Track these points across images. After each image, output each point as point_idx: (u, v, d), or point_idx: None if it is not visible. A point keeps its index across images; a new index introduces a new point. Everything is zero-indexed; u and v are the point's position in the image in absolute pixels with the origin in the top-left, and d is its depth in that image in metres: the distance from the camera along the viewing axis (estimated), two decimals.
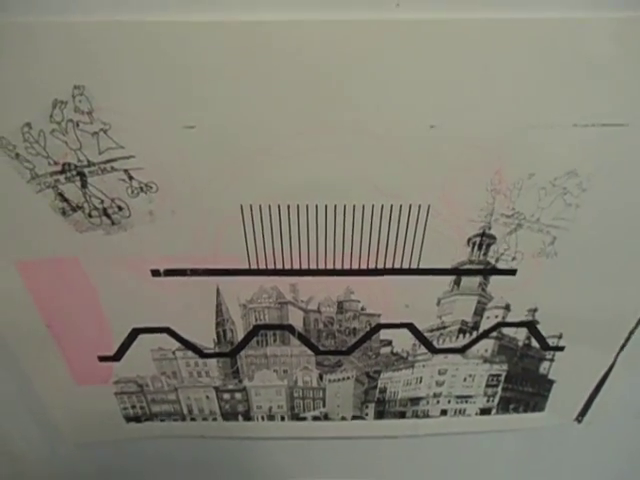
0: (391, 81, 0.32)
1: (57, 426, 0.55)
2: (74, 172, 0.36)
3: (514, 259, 0.42)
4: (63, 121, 0.33)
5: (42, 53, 0.30)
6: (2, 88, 0.32)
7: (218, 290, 0.44)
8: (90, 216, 0.39)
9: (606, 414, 0.58)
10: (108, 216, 0.39)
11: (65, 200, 0.38)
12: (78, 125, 0.34)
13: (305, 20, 0.30)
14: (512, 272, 0.43)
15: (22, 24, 0.29)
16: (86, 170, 0.36)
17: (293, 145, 0.35)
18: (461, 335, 0.49)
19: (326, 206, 0.38)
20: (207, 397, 0.54)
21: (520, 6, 0.30)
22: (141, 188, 0.37)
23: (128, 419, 0.55)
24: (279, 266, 0.42)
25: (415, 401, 0.55)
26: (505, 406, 0.56)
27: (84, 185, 0.37)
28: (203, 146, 0.35)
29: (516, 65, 0.31)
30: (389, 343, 0.49)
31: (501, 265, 0.42)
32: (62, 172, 0.36)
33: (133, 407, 0.54)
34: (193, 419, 0.56)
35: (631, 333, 0.49)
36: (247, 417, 0.56)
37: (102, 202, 0.38)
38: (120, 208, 0.38)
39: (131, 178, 0.37)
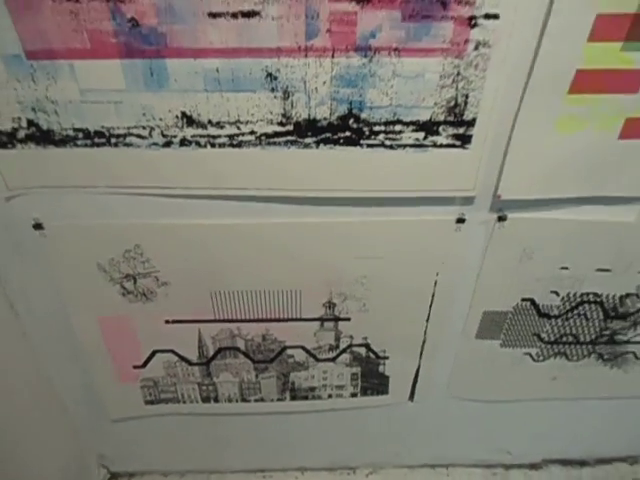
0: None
1: (106, 406, 0.95)
2: (131, 278, 0.78)
3: (347, 313, 0.84)
4: (130, 258, 0.75)
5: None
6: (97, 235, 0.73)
7: (199, 329, 0.85)
8: (136, 296, 0.80)
9: (429, 395, 1.01)
10: (145, 295, 0.80)
11: (124, 289, 0.79)
12: (135, 259, 0.75)
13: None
14: (348, 319, 0.85)
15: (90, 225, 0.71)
16: (137, 277, 0.78)
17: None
18: (330, 351, 0.91)
19: (251, 292, 0.80)
20: (192, 389, 0.95)
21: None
22: (163, 283, 0.79)
23: (146, 402, 0.96)
24: (230, 317, 0.83)
25: (312, 389, 0.97)
26: (364, 392, 0.98)
27: (135, 282, 0.78)
28: (195, 272, 0.76)
29: None
30: (292, 356, 0.91)
31: (342, 316, 0.85)
32: (125, 277, 0.78)
33: (150, 395, 0.95)
34: (184, 402, 0.97)
35: (423, 344, 0.91)
36: (216, 400, 0.97)
37: (143, 290, 0.79)
38: (151, 292, 0.80)
39: (157, 279, 0.78)
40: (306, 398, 0.98)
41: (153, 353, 0.88)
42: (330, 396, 0.98)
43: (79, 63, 0.57)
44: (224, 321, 0.84)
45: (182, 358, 0.89)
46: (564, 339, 0.91)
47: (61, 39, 0.55)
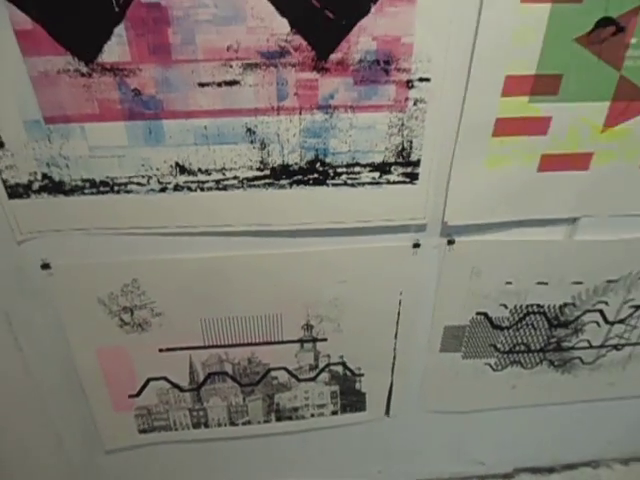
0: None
1: (101, 437, 1.00)
2: (128, 310, 0.86)
3: (324, 334, 0.94)
4: (128, 292, 0.84)
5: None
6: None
7: (190, 356, 0.94)
8: (132, 327, 0.88)
9: (403, 410, 1.10)
10: (141, 326, 0.89)
11: (122, 320, 0.88)
12: (132, 292, 0.84)
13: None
14: (325, 339, 0.95)
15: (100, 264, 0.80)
16: (134, 309, 0.86)
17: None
18: (311, 371, 1.00)
19: (237, 318, 0.90)
20: (184, 415, 1.02)
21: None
22: (157, 314, 0.88)
23: (140, 431, 1.02)
24: (218, 343, 0.92)
25: (295, 409, 1.05)
26: (344, 409, 1.07)
27: (132, 314, 0.87)
28: (187, 301, 0.86)
29: None
30: (276, 378, 0.99)
31: (319, 337, 0.95)
32: (123, 310, 0.86)
33: (143, 423, 1.01)
34: (176, 429, 1.03)
35: (394, 360, 1.01)
36: (206, 425, 1.04)
37: (139, 321, 0.88)
38: (147, 322, 0.88)
39: (152, 310, 0.87)
40: (290, 418, 1.06)
41: (147, 381, 0.95)
42: (312, 415, 1.06)
43: (89, 125, 0.68)
44: (213, 347, 0.93)
45: (174, 385, 0.97)
46: (517, 348, 1.02)
47: (74, 106, 0.67)
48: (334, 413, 1.07)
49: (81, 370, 0.91)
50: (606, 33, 0.68)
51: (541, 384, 1.09)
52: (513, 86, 0.70)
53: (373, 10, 0.64)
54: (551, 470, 1.29)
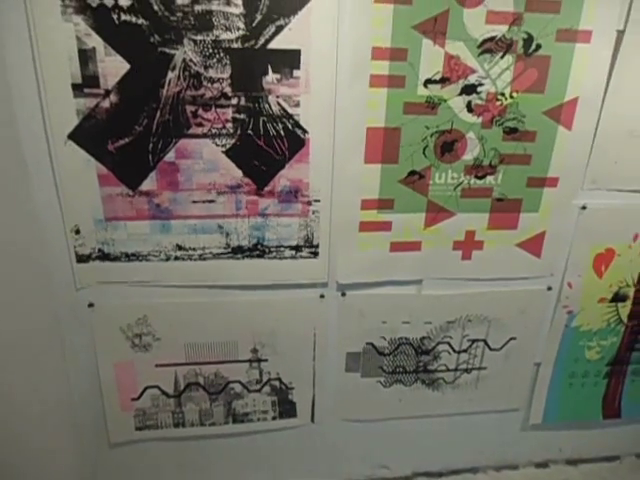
0: None
1: (109, 432, 1.44)
2: (138, 336, 1.35)
3: (266, 356, 1.43)
4: (139, 323, 1.34)
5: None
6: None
7: (175, 371, 1.41)
8: (139, 348, 1.37)
9: (324, 418, 1.55)
10: (145, 347, 1.37)
11: (133, 343, 1.36)
12: (142, 324, 1.34)
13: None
14: (266, 360, 1.44)
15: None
16: (142, 335, 1.35)
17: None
18: (257, 384, 1.47)
19: (209, 343, 1.39)
20: (168, 417, 1.46)
21: None
22: (157, 339, 1.37)
23: (136, 429, 1.46)
24: (195, 361, 1.40)
25: (247, 414, 1.50)
26: (281, 415, 1.52)
27: (140, 339, 1.36)
28: (177, 331, 1.36)
29: None
30: (233, 389, 1.46)
31: (262, 358, 1.43)
32: (135, 335, 1.35)
33: (139, 422, 1.45)
34: (161, 428, 1.47)
35: (314, 377, 1.49)
36: (183, 425, 1.48)
37: (144, 344, 1.36)
38: (149, 345, 1.37)
39: (154, 336, 1.36)
40: (242, 421, 1.51)
41: (145, 389, 1.41)
42: (259, 419, 1.51)
43: (129, 222, 1.22)
44: (191, 364, 1.41)
45: (163, 392, 1.43)
46: (397, 369, 1.52)
47: (122, 212, 1.21)
48: (274, 418, 1.52)
49: (102, 378, 1.37)
50: (415, 178, 1.28)
51: (419, 399, 1.57)
52: (366, 204, 1.28)
53: (287, 166, 1.22)
54: (440, 474, 1.72)
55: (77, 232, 1.21)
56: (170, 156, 1.17)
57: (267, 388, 1.48)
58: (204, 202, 1.23)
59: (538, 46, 1.18)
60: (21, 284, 1.12)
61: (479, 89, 1.21)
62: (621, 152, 1.32)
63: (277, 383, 1.48)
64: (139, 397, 1.42)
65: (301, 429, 1.56)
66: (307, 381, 1.49)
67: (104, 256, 1.25)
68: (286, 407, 1.52)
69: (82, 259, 1.24)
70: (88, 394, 1.39)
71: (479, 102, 1.22)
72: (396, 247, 1.34)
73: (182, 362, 1.40)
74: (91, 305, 1.30)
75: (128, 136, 1.14)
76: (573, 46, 1.19)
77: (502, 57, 1.18)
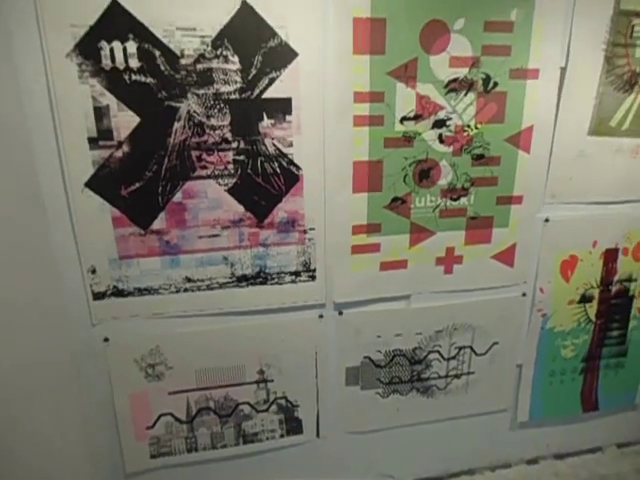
0: None
1: (124, 462, 1.50)
2: (151, 366, 1.44)
3: (272, 376, 1.53)
4: (153, 354, 1.42)
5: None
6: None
7: (187, 397, 1.50)
8: (153, 377, 1.45)
9: (328, 432, 1.65)
10: (158, 377, 1.45)
11: (147, 373, 1.44)
12: (155, 354, 1.43)
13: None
14: (272, 380, 1.54)
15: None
16: (155, 365, 1.44)
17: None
18: (264, 404, 1.56)
19: (219, 368, 1.48)
20: (181, 442, 1.54)
21: None
22: (169, 368, 1.45)
23: (151, 457, 1.52)
24: (206, 386, 1.49)
25: (256, 434, 1.59)
26: (288, 432, 1.61)
27: (153, 368, 1.44)
28: (188, 359, 1.45)
29: None
30: (242, 410, 1.55)
31: (268, 379, 1.53)
32: (148, 365, 1.44)
33: (154, 450, 1.52)
34: (174, 454, 1.54)
35: (317, 393, 1.59)
36: (196, 449, 1.55)
37: (157, 373, 1.45)
38: (162, 374, 1.45)
39: (166, 365, 1.45)
40: (252, 442, 1.59)
41: (159, 416, 1.49)
42: (267, 438, 1.60)
43: (141, 259, 1.33)
44: (202, 389, 1.49)
45: (176, 419, 1.51)
46: (394, 380, 1.63)
47: (134, 250, 1.32)
48: (282, 436, 1.61)
49: (118, 409, 1.45)
50: (398, 203, 1.43)
51: (415, 407, 1.69)
52: (356, 229, 1.42)
53: (284, 200, 1.35)
54: (440, 479, 1.83)
55: (93, 272, 1.31)
56: (178, 197, 1.29)
57: (274, 407, 1.57)
58: (210, 237, 1.35)
59: (495, 84, 1.36)
60: (40, 322, 1.21)
61: (448, 123, 1.38)
62: (574, 170, 1.51)
63: (283, 402, 1.57)
64: (153, 425, 1.49)
65: (307, 445, 1.64)
66: (311, 398, 1.59)
67: (118, 292, 1.35)
68: (293, 425, 1.61)
69: (98, 296, 1.34)
70: (104, 425, 1.46)
71: (449, 134, 1.39)
72: (385, 266, 1.48)
73: (193, 388, 1.49)
74: (106, 340, 1.38)
75: (139, 181, 1.26)
76: (524, 82, 1.38)
77: (465, 95, 1.36)
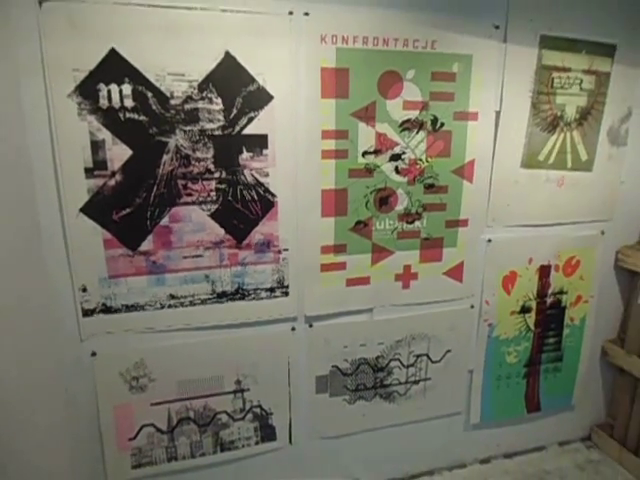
0: None
1: (107, 473, 1.57)
2: (135, 378, 1.54)
3: (248, 386, 1.66)
4: (137, 367, 1.53)
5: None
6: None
7: (169, 408, 1.60)
8: (137, 389, 1.55)
9: (301, 439, 1.78)
10: (141, 389, 1.55)
11: (131, 385, 1.54)
12: (139, 367, 1.53)
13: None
14: (248, 390, 1.66)
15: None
16: (139, 377, 1.54)
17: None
18: (241, 412, 1.68)
19: (198, 380, 1.60)
20: (162, 452, 1.63)
21: None
22: (152, 380, 1.56)
23: (132, 467, 1.60)
24: (186, 396, 1.60)
25: (232, 442, 1.70)
26: (263, 440, 1.73)
27: (137, 381, 1.55)
28: (170, 371, 1.56)
29: None
30: (220, 419, 1.66)
31: (245, 388, 1.66)
32: (132, 378, 1.54)
33: (135, 460, 1.60)
34: (155, 464, 1.63)
35: (290, 401, 1.73)
36: (176, 459, 1.65)
37: (141, 385, 1.55)
38: (145, 386, 1.55)
39: (149, 378, 1.55)
40: (230, 449, 1.70)
41: (141, 427, 1.58)
42: (243, 446, 1.71)
43: (129, 278, 1.45)
44: (183, 399, 1.60)
45: (158, 429, 1.60)
46: (359, 387, 1.79)
47: (123, 270, 1.44)
48: (257, 443, 1.73)
49: (102, 421, 1.53)
50: (361, 226, 1.62)
51: (379, 412, 1.85)
52: (325, 249, 1.59)
53: (260, 223, 1.52)
54: None
55: (84, 290, 1.42)
56: (165, 221, 1.43)
57: (250, 415, 1.69)
58: (193, 257, 1.49)
59: (442, 124, 1.60)
60: (31, 338, 1.30)
61: (403, 156, 1.59)
62: (511, 197, 1.76)
63: (258, 410, 1.70)
64: (135, 436, 1.58)
65: (281, 451, 1.77)
66: (284, 405, 1.73)
67: (107, 309, 1.46)
68: (267, 431, 1.73)
69: (87, 313, 1.44)
70: (87, 437, 1.53)
71: (404, 166, 1.60)
72: (350, 282, 1.66)
73: (175, 399, 1.59)
74: (94, 354, 1.48)
75: (130, 207, 1.39)
76: (466, 123, 1.62)
77: (417, 133, 1.58)
